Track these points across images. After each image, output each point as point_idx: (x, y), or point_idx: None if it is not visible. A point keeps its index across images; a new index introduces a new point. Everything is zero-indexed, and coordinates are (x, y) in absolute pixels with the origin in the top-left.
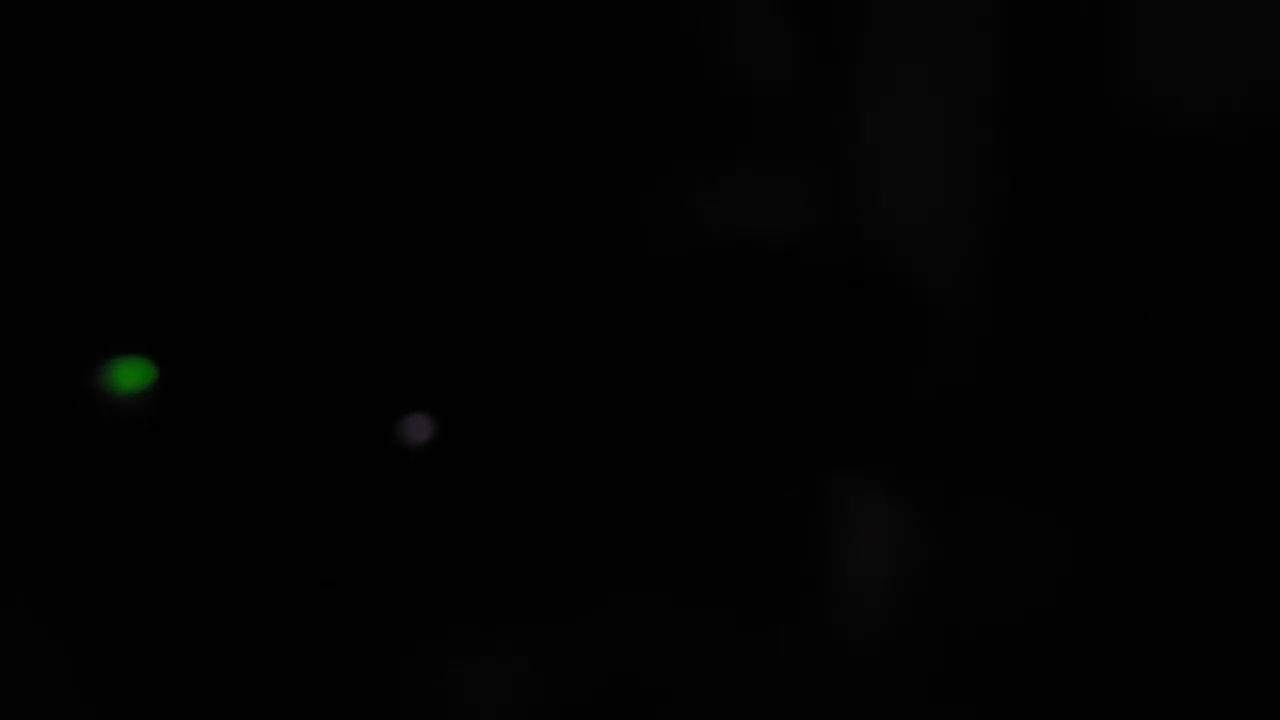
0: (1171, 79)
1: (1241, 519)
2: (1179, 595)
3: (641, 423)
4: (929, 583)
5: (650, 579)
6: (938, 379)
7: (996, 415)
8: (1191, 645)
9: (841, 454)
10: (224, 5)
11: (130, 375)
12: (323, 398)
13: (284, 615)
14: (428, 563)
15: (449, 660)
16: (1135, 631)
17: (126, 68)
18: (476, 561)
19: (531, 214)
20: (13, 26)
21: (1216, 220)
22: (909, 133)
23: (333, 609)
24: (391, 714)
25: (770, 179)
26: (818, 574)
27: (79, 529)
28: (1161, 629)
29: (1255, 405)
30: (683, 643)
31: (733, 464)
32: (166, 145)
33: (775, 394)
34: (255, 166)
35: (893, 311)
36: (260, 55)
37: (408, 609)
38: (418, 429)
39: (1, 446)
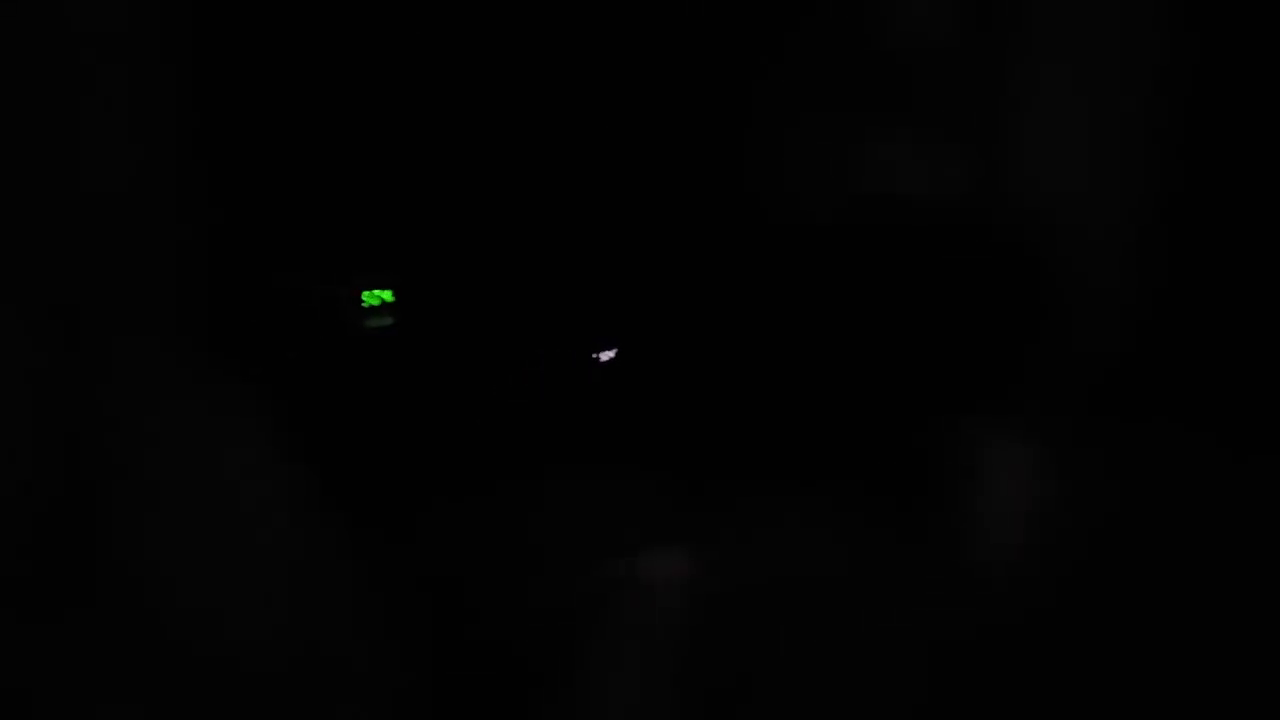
0: None
1: None
2: None
3: (810, 364)
4: (1052, 517)
5: (818, 500)
6: (1074, 341)
7: (1126, 380)
8: None
9: (985, 402)
10: None
11: (373, 299)
12: (529, 321)
13: (488, 500)
14: (639, 472)
15: (630, 550)
16: (1243, 586)
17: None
18: (674, 477)
19: (706, 167)
20: None
21: None
22: (1064, 102)
23: (526, 497)
24: (567, 594)
25: (928, 140)
26: (959, 502)
27: (329, 423)
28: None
29: None
30: (838, 554)
31: (893, 405)
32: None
33: (926, 346)
34: (488, 123)
35: (1038, 275)
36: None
37: (602, 507)
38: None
39: (278, 359)
